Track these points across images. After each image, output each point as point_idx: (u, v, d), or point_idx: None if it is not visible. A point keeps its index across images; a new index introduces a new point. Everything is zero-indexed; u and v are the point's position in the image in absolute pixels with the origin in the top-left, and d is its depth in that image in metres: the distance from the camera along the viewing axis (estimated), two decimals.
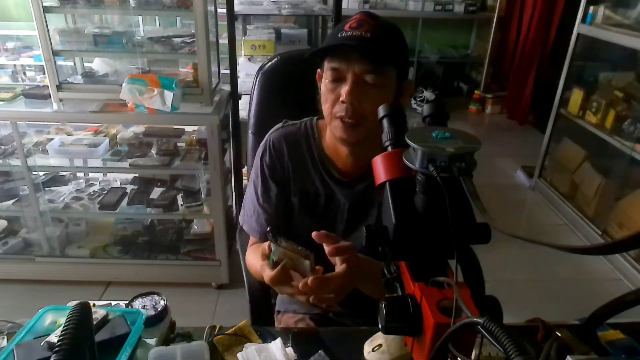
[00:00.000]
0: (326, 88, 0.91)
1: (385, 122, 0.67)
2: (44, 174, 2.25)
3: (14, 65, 2.62)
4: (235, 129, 2.22)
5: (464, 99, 4.99)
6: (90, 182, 2.42)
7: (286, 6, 2.44)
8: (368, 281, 0.86)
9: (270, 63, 1.25)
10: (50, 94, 1.96)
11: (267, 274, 0.80)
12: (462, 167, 0.50)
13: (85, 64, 2.29)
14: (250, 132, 1.29)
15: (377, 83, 0.87)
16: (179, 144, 2.19)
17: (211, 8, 2.01)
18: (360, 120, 0.89)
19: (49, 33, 1.85)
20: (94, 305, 0.80)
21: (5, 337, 0.82)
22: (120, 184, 2.40)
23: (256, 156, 1.06)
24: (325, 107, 0.93)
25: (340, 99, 0.88)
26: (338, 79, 0.88)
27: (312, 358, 0.80)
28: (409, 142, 0.54)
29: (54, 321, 0.80)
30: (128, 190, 2.30)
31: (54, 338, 0.72)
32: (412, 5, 4.59)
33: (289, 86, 1.24)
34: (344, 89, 0.87)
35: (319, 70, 0.95)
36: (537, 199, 3.23)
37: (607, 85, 2.80)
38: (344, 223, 1.02)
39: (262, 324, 0.95)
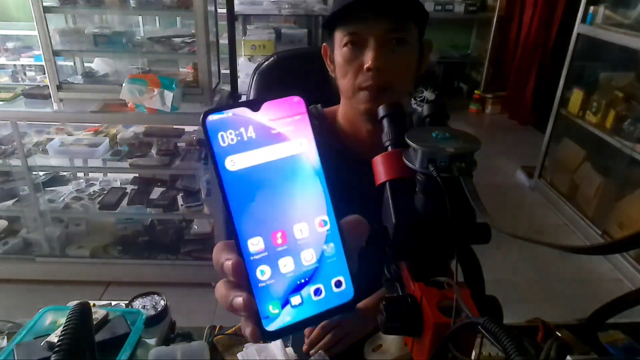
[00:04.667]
0: (344, 59, 0.80)
1: (385, 122, 0.67)
2: (44, 174, 2.25)
3: (14, 65, 2.63)
4: None
5: (464, 99, 4.99)
6: (91, 182, 2.42)
7: (286, 6, 2.45)
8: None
9: (267, 62, 1.22)
10: (50, 94, 1.96)
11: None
12: (462, 167, 0.50)
13: (85, 64, 2.29)
14: None
15: (402, 42, 0.78)
16: (179, 144, 2.19)
17: (211, 8, 2.01)
18: (388, 86, 0.80)
19: (49, 33, 1.86)
20: (94, 305, 0.81)
21: (5, 337, 0.83)
22: (120, 184, 2.40)
23: None
24: (344, 81, 0.83)
25: (365, 66, 0.77)
26: (357, 46, 0.79)
27: (312, 358, 0.80)
28: (409, 142, 0.54)
29: (54, 321, 0.80)
30: (128, 190, 2.30)
31: (54, 338, 0.72)
32: None
33: (286, 86, 1.22)
34: (368, 55, 0.77)
35: (324, 44, 0.86)
36: (537, 199, 3.22)
37: (607, 85, 2.80)
38: (371, 217, 0.93)
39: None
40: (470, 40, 5.25)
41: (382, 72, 0.78)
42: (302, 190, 0.35)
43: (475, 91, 4.85)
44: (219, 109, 0.33)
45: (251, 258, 0.34)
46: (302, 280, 0.35)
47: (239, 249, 0.34)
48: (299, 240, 0.35)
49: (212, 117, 0.33)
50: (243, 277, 0.33)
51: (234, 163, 0.33)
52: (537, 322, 0.84)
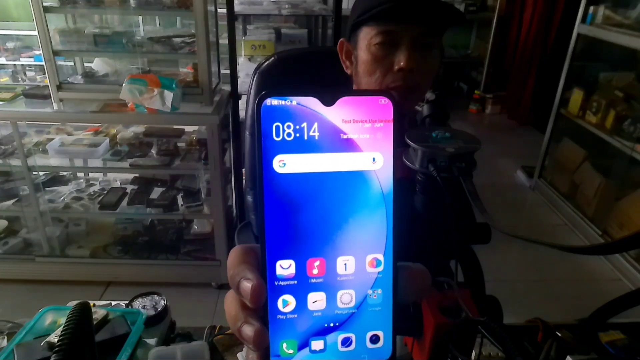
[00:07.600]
0: (372, 56, 0.78)
1: None
2: (44, 174, 2.25)
3: (14, 65, 2.63)
4: (235, 129, 2.22)
5: (464, 99, 4.99)
6: (91, 182, 2.42)
7: (286, 6, 2.45)
8: None
9: (267, 62, 1.23)
10: (50, 94, 1.96)
11: None
12: (462, 167, 0.51)
13: (85, 64, 2.29)
14: (247, 132, 1.27)
15: (432, 45, 0.78)
16: (179, 144, 2.19)
17: (211, 8, 2.01)
18: (416, 88, 0.79)
19: (49, 33, 1.85)
20: (94, 305, 0.81)
21: (5, 337, 0.82)
22: (120, 184, 2.40)
23: None
24: (370, 79, 0.80)
25: (397, 67, 0.76)
26: (389, 45, 0.77)
27: None
28: (409, 142, 0.54)
29: (54, 321, 0.79)
30: (128, 190, 2.30)
31: (54, 338, 0.72)
32: None
33: (286, 86, 1.22)
34: (401, 56, 0.75)
35: (341, 40, 0.84)
36: (537, 199, 3.23)
37: (607, 85, 2.80)
38: None
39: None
40: (470, 40, 5.25)
41: (413, 74, 0.77)
42: (360, 216, 0.29)
43: (475, 91, 4.85)
44: (281, 93, 0.26)
45: (276, 283, 0.28)
46: (331, 324, 0.29)
47: (263, 268, 0.28)
48: (340, 276, 0.29)
49: (270, 102, 0.26)
50: (261, 305, 0.28)
51: (284, 164, 0.27)
52: (537, 322, 0.85)
